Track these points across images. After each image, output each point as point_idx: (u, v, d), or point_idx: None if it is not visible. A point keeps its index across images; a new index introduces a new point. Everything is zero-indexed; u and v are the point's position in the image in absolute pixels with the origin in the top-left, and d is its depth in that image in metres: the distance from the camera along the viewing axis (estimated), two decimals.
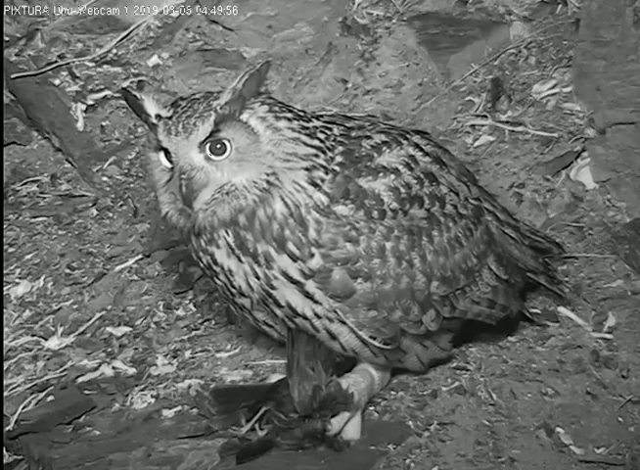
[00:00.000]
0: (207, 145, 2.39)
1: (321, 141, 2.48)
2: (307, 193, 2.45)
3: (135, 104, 2.43)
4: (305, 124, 2.47)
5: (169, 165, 2.44)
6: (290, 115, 2.45)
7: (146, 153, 2.54)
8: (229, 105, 2.38)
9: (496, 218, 2.79)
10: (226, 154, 2.40)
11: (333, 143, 2.50)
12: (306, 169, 2.44)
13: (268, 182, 2.42)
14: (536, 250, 2.93)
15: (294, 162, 2.43)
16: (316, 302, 2.49)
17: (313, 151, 2.46)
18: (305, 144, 2.45)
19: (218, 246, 2.49)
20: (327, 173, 2.47)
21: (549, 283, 2.94)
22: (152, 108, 2.41)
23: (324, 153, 2.47)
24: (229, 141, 2.39)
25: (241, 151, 2.40)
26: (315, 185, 2.45)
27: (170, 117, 2.39)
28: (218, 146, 2.39)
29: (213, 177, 2.40)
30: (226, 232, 2.47)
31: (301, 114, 2.50)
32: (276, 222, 2.44)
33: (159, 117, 2.40)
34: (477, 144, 3.47)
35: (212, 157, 2.40)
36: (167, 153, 2.42)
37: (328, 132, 2.51)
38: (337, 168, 2.48)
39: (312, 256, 2.46)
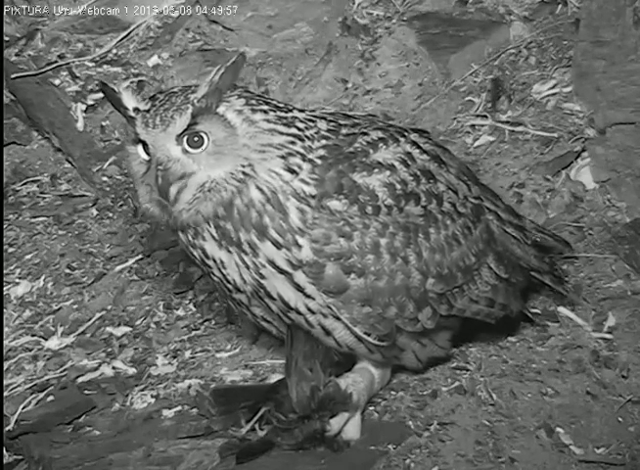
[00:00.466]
0: (185, 138, 2.40)
1: (299, 129, 2.48)
2: (283, 179, 2.44)
3: (113, 97, 2.44)
4: (283, 115, 2.47)
5: (147, 158, 2.45)
6: (266, 107, 2.46)
7: (124, 146, 2.55)
8: (206, 98, 2.39)
9: (498, 217, 2.78)
10: (203, 146, 2.40)
11: (314, 134, 2.50)
12: (282, 157, 2.45)
13: (244, 173, 2.42)
14: (541, 248, 2.92)
15: (269, 152, 2.44)
16: (308, 296, 2.49)
17: (289, 138, 2.46)
18: (281, 133, 2.45)
19: (204, 238, 2.49)
20: (304, 161, 2.47)
21: (554, 283, 2.91)
22: (129, 101, 2.42)
23: (302, 140, 2.47)
24: (206, 134, 2.40)
25: (218, 144, 2.41)
26: (292, 171, 2.45)
27: (148, 110, 2.40)
28: (196, 139, 2.40)
29: (190, 169, 2.41)
30: (208, 224, 2.47)
31: (280, 105, 2.50)
32: (254, 210, 2.44)
33: (137, 110, 2.41)
34: (477, 144, 3.46)
35: (190, 149, 2.40)
36: (145, 145, 2.43)
37: (310, 124, 2.51)
38: (317, 160, 2.48)
39: (299, 246, 2.46)
